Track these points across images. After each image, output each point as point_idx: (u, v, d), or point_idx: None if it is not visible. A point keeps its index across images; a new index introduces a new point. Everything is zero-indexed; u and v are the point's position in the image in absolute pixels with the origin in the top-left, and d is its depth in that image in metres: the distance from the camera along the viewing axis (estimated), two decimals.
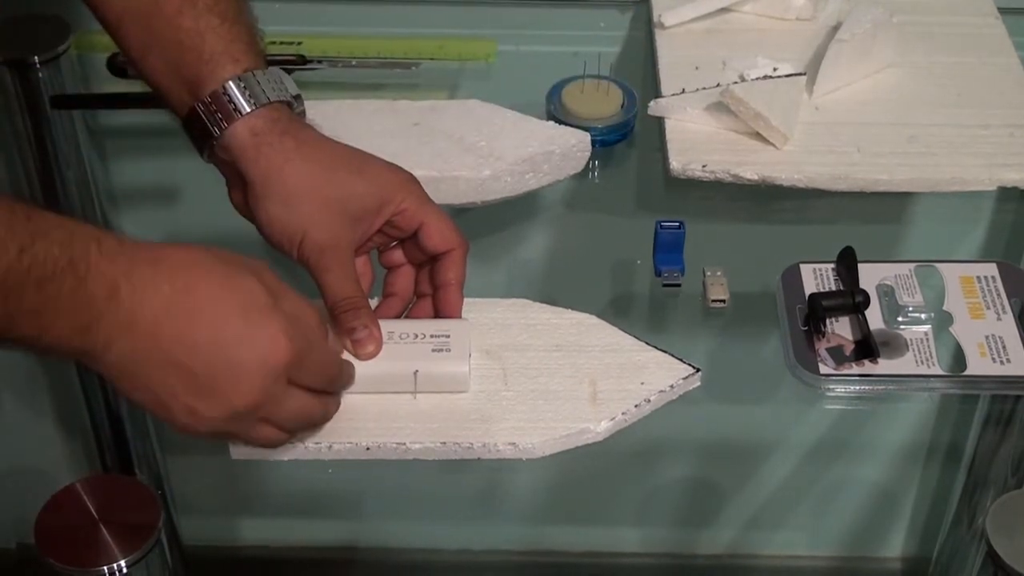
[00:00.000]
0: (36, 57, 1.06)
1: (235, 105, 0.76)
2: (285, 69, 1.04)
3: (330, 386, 0.73)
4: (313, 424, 0.72)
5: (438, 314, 0.80)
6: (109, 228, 1.04)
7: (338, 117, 0.95)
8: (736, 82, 0.96)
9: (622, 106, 1.00)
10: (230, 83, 0.76)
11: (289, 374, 0.68)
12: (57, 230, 0.62)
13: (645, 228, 0.90)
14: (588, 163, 0.95)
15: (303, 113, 0.81)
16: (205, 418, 0.66)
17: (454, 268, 0.78)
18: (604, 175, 1.00)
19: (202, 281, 0.66)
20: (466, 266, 0.79)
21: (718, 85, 0.96)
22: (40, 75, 1.06)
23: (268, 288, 0.68)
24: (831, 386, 0.82)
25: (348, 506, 1.03)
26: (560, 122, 0.97)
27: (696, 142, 0.94)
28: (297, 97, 0.80)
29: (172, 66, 0.77)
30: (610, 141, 0.99)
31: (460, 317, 0.79)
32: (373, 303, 0.80)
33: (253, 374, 0.66)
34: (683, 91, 0.97)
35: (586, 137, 0.94)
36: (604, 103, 1.00)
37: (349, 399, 0.77)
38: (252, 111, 0.76)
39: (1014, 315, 0.85)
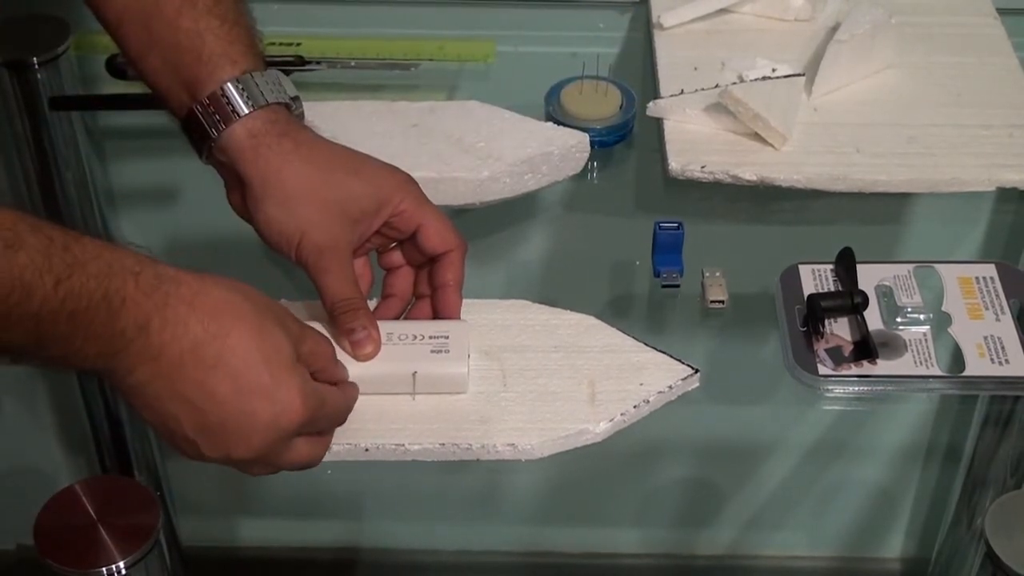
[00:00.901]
0: (35, 58, 1.06)
1: (233, 107, 0.76)
2: (284, 70, 1.05)
3: (332, 430, 0.74)
4: (309, 465, 0.73)
5: (437, 315, 0.80)
6: (112, 235, 1.04)
7: (337, 118, 0.95)
8: (735, 83, 0.95)
9: (621, 107, 1.00)
10: (228, 85, 0.76)
11: (300, 431, 0.69)
12: (95, 262, 0.62)
13: (644, 229, 0.90)
14: (587, 164, 0.95)
15: (302, 115, 0.81)
16: (204, 455, 0.68)
17: (452, 269, 0.79)
18: (603, 176, 1.00)
19: (234, 329, 0.66)
20: (464, 267, 0.79)
21: (717, 86, 0.96)
22: (39, 76, 1.06)
23: (292, 337, 0.69)
24: (830, 387, 0.82)
25: (347, 507, 1.03)
26: (559, 123, 0.97)
27: (695, 143, 0.94)
28: (295, 99, 0.80)
29: (171, 67, 0.77)
30: (609, 142, 0.99)
31: (459, 318, 0.79)
32: (372, 304, 0.80)
33: (262, 432, 0.67)
34: (682, 92, 0.97)
35: (585, 138, 0.94)
36: (603, 104, 1.00)
37: None
38: (250, 113, 0.76)
39: (1013, 316, 0.85)
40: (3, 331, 0.60)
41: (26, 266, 0.60)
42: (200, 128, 0.76)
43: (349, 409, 0.74)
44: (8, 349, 0.62)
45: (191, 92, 0.77)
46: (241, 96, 0.76)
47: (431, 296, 0.80)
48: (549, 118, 0.98)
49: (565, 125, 0.97)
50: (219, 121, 0.76)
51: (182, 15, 0.76)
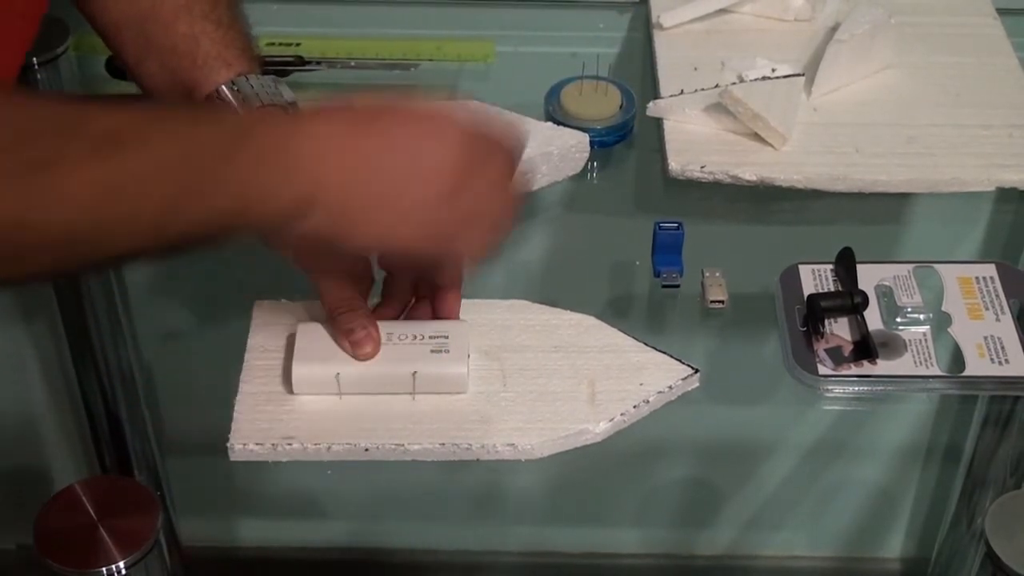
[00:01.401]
0: (35, 58, 1.06)
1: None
2: (283, 70, 1.05)
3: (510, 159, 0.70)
4: (508, 206, 0.70)
5: (437, 315, 0.80)
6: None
7: None
8: (735, 83, 0.95)
9: (620, 107, 1.00)
10: (223, 87, 0.76)
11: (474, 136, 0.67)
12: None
13: (644, 229, 0.90)
14: (587, 164, 0.95)
15: None
16: (451, 171, 0.66)
17: (450, 271, 0.78)
18: (603, 176, 1.00)
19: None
20: (462, 269, 0.79)
21: (717, 86, 0.96)
22: (39, 76, 1.06)
23: None
24: (830, 387, 0.82)
25: (347, 507, 1.03)
26: (559, 123, 0.97)
27: (695, 143, 0.94)
28: (292, 104, 0.80)
29: (168, 71, 0.77)
30: (609, 142, 0.99)
31: (458, 318, 0.79)
32: (372, 304, 0.80)
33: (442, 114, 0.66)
34: (682, 92, 0.97)
35: (584, 138, 0.94)
36: (603, 104, 1.00)
37: (347, 400, 0.77)
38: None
39: (1013, 316, 0.85)
40: (209, 199, 0.60)
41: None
42: None
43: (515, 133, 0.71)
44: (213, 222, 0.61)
45: (187, 96, 0.77)
46: (235, 98, 0.76)
47: (431, 297, 0.80)
48: (549, 118, 0.98)
49: (565, 125, 0.97)
50: None
51: (179, 20, 0.77)
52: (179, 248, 0.63)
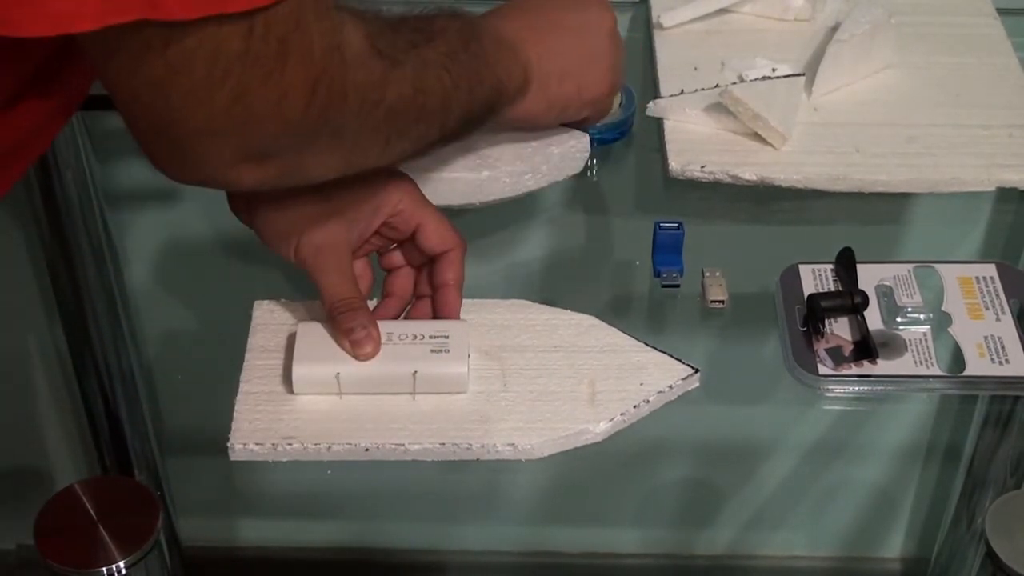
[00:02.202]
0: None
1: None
2: None
3: None
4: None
5: (437, 315, 0.80)
6: (107, 229, 1.04)
7: None
8: (735, 83, 0.95)
9: (620, 104, 1.00)
10: None
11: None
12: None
13: (644, 229, 0.90)
14: (594, 162, 0.95)
15: None
16: (603, 24, 0.89)
17: (452, 268, 0.79)
18: (603, 176, 1.00)
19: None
20: (464, 266, 0.79)
21: (717, 86, 0.96)
22: None
23: None
24: (830, 387, 0.82)
25: (347, 507, 1.02)
26: None
27: (695, 143, 0.94)
28: None
29: None
30: (608, 139, 0.99)
31: (458, 317, 0.79)
32: (372, 304, 0.80)
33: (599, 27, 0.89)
34: (682, 92, 0.97)
35: (585, 138, 0.94)
36: None
37: (348, 400, 0.77)
38: None
39: (1013, 316, 0.85)
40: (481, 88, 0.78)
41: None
42: None
43: None
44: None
45: None
46: None
47: (431, 296, 0.80)
48: None
49: (564, 123, 0.97)
50: None
51: None
52: (476, 121, 0.80)
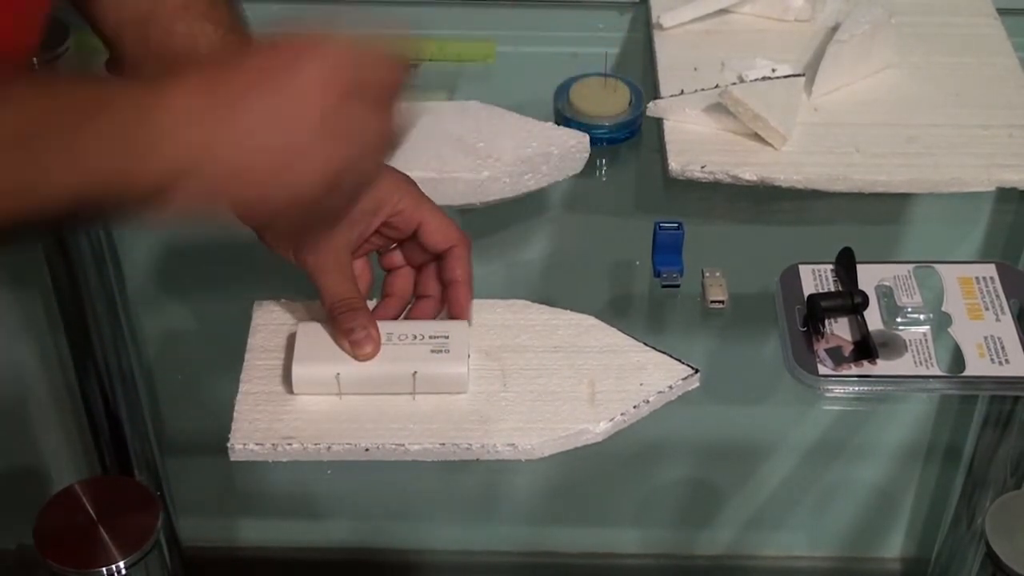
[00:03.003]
0: (35, 58, 1.06)
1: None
2: None
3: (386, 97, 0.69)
4: (388, 137, 0.68)
5: (448, 312, 0.79)
6: (112, 235, 1.04)
7: None
8: (735, 83, 0.96)
9: (630, 103, 1.00)
10: None
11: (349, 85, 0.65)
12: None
13: (644, 229, 0.90)
14: (593, 162, 0.96)
15: None
16: (320, 99, 0.63)
17: (460, 265, 0.78)
18: (603, 176, 1.00)
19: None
20: (471, 263, 0.79)
21: (717, 86, 0.96)
22: None
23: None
24: (830, 387, 0.82)
25: (347, 507, 1.03)
26: (568, 120, 0.97)
27: (695, 143, 0.94)
28: None
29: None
30: (619, 139, 0.99)
31: (469, 314, 0.79)
32: (372, 304, 0.80)
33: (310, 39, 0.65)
34: (682, 92, 0.97)
35: (585, 138, 0.94)
36: (612, 101, 1.00)
37: (347, 400, 0.77)
38: None
39: (1013, 316, 0.85)
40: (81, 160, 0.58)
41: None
42: None
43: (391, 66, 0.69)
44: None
45: None
46: None
47: (441, 293, 0.80)
48: (558, 115, 0.99)
49: (575, 122, 0.97)
50: None
51: (176, 21, 0.77)
52: (50, 220, 0.61)
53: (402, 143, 0.69)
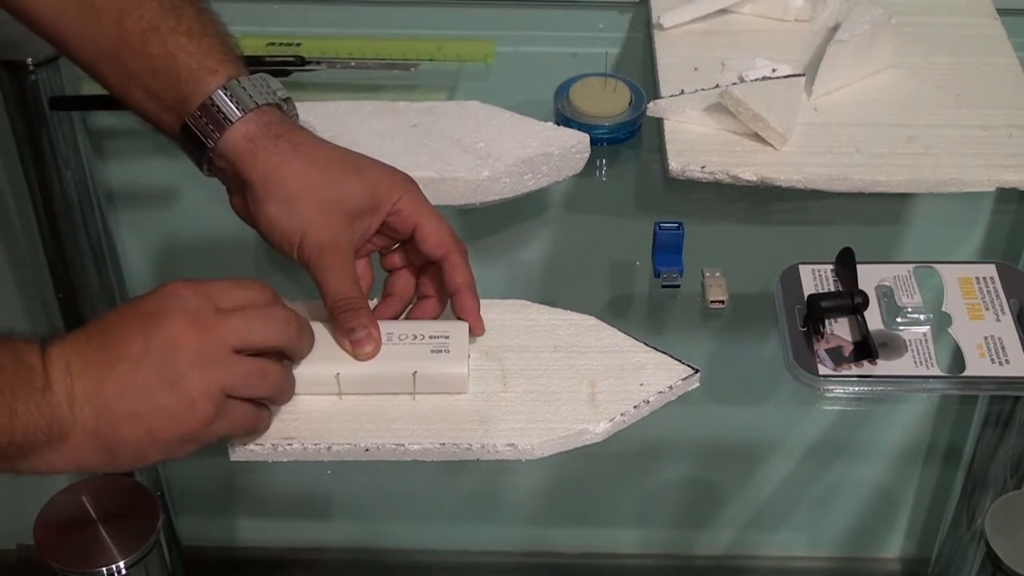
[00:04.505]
0: (34, 59, 1.06)
1: (224, 114, 0.76)
2: (284, 70, 1.05)
3: (258, 303, 0.72)
4: (276, 320, 0.71)
5: (457, 318, 0.79)
6: (107, 229, 1.04)
7: (337, 118, 0.95)
8: (735, 83, 0.96)
9: (630, 103, 1.00)
10: (217, 93, 0.76)
11: (204, 298, 0.68)
12: None
13: (644, 229, 0.90)
14: (593, 162, 0.96)
15: (296, 116, 0.81)
16: (188, 387, 0.66)
17: (460, 272, 0.78)
18: (603, 176, 1.00)
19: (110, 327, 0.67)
20: (470, 268, 0.79)
21: (717, 86, 0.96)
22: (39, 77, 1.06)
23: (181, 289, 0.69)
24: (830, 387, 0.82)
25: (347, 507, 1.03)
26: (568, 120, 0.97)
27: (695, 143, 0.94)
28: (287, 100, 0.80)
29: (152, 95, 0.77)
30: (620, 138, 0.99)
31: (478, 319, 0.79)
32: (372, 304, 0.80)
33: (169, 319, 0.67)
34: (682, 92, 0.97)
35: (585, 139, 0.94)
36: (612, 101, 1.00)
37: (348, 400, 0.77)
38: (242, 117, 0.76)
39: (1013, 316, 0.85)
40: None
41: None
42: (196, 140, 0.77)
43: (263, 292, 0.72)
44: None
45: (179, 112, 0.77)
46: (231, 101, 0.76)
47: (442, 294, 0.80)
48: (558, 115, 0.99)
49: (575, 122, 0.97)
50: (213, 130, 0.76)
51: (148, 43, 0.77)
52: None
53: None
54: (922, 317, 0.85)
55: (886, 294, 0.86)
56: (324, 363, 0.76)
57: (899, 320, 0.85)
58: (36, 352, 0.65)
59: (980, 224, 1.00)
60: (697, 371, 0.79)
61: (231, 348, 0.68)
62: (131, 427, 0.66)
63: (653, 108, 0.97)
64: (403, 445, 0.75)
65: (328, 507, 1.03)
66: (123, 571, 0.72)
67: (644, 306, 0.94)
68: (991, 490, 0.97)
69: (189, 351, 0.67)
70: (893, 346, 0.83)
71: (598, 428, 0.77)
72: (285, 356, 0.74)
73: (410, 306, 0.82)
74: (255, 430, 0.73)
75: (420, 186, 0.80)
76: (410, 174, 0.80)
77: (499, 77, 1.09)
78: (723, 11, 1.06)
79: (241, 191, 0.78)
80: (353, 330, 0.76)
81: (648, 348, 0.81)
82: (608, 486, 1.00)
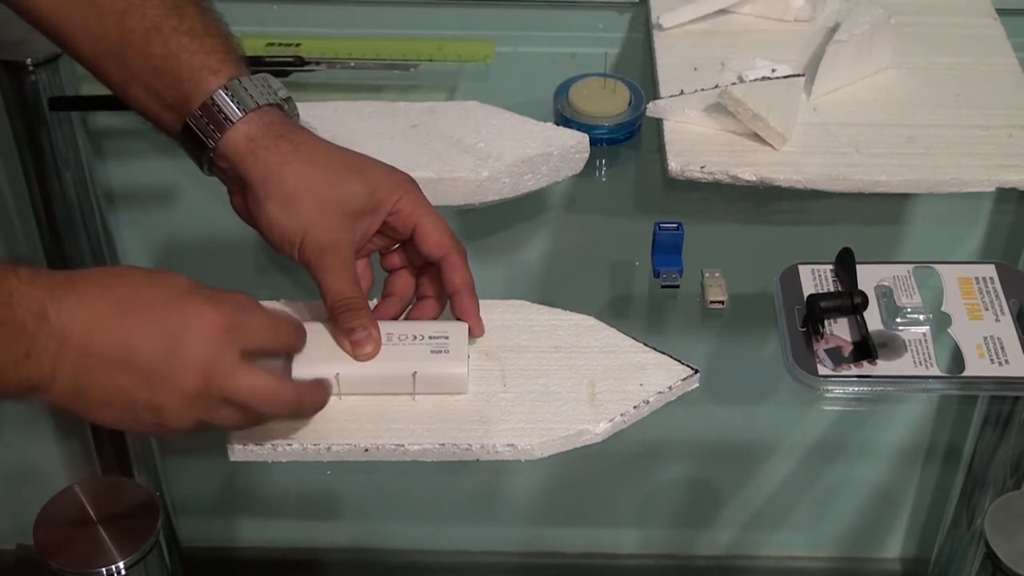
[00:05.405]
0: (34, 59, 1.06)
1: (225, 114, 0.76)
2: (284, 70, 1.05)
3: (283, 346, 0.74)
4: (278, 403, 0.72)
5: (457, 319, 0.79)
6: (107, 229, 1.04)
7: (336, 118, 0.95)
8: (734, 83, 0.96)
9: (630, 103, 1.00)
10: (218, 93, 0.76)
11: (231, 341, 0.69)
12: None
13: (644, 229, 0.90)
14: (593, 162, 0.96)
15: (297, 116, 0.81)
16: (168, 410, 0.67)
17: (457, 275, 0.78)
18: (603, 176, 1.00)
19: (121, 281, 0.68)
20: (469, 269, 0.79)
21: (716, 86, 0.96)
22: (39, 77, 1.06)
23: (190, 280, 0.70)
24: (829, 387, 0.82)
25: (347, 507, 1.03)
26: (568, 120, 0.97)
27: (694, 143, 0.94)
28: (288, 100, 0.80)
29: (153, 94, 0.77)
30: (619, 139, 0.99)
31: (478, 320, 0.79)
32: (372, 304, 0.80)
33: (192, 346, 0.67)
34: (682, 92, 0.97)
35: (585, 139, 0.94)
36: (612, 101, 1.00)
37: (348, 400, 0.77)
38: (243, 117, 0.76)
39: (1012, 316, 0.85)
40: None
41: None
42: (197, 140, 0.77)
43: (287, 324, 0.74)
44: None
45: (180, 111, 0.77)
46: (232, 101, 0.76)
47: (442, 294, 0.80)
48: (558, 115, 0.99)
49: (574, 122, 0.97)
50: (214, 130, 0.76)
51: (150, 43, 0.77)
52: None
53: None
54: (922, 317, 0.85)
55: (886, 294, 0.86)
56: (324, 363, 0.76)
57: (899, 320, 0.85)
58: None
59: (980, 224, 1.00)
60: (697, 371, 0.79)
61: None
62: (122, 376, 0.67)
63: (653, 108, 0.97)
64: (403, 445, 0.75)
65: (328, 507, 1.03)
66: (123, 571, 0.72)
67: (644, 306, 0.94)
68: (991, 490, 0.97)
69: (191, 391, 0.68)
70: (893, 346, 0.83)
71: (598, 428, 0.77)
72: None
73: (410, 306, 0.81)
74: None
75: (420, 186, 0.80)
76: (410, 174, 0.80)
77: (499, 77, 1.09)
78: (723, 11, 1.06)
79: (242, 191, 0.78)
80: (353, 330, 0.76)
81: (648, 348, 0.81)
82: (608, 486, 1.00)
